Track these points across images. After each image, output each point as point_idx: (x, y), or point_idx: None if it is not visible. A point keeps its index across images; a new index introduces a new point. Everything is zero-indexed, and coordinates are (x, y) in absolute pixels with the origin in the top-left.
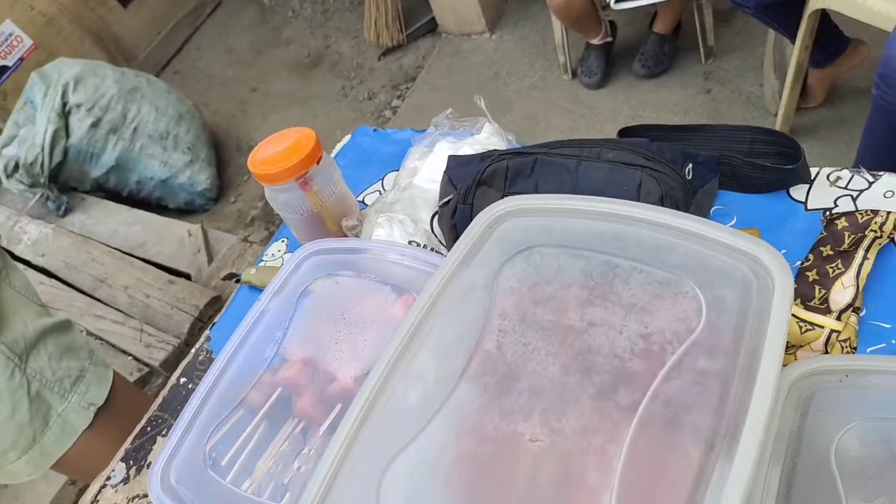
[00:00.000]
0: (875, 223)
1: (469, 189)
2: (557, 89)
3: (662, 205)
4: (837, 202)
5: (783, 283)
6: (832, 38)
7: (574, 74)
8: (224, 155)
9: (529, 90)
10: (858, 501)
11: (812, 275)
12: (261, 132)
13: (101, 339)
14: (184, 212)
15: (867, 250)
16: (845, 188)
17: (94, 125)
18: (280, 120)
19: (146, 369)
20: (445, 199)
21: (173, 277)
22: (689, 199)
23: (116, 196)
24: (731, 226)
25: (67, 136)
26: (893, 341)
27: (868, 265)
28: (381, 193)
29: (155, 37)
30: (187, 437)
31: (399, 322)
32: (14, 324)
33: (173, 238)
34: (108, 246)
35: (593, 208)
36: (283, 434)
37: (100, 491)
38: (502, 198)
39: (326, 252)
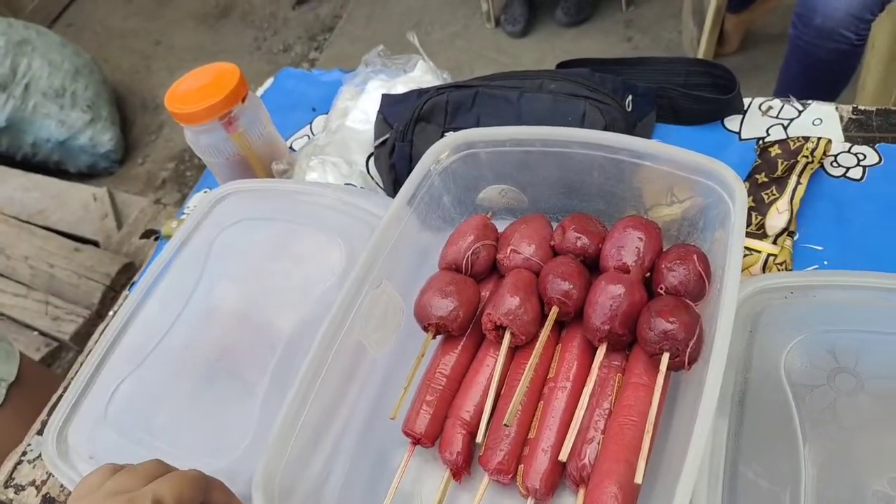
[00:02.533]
0: (807, 149)
1: (407, 126)
2: (481, 38)
3: None
4: (769, 131)
5: (741, 195)
6: None
7: (497, 23)
8: (128, 114)
9: (452, 39)
10: (808, 409)
11: (748, 202)
12: (167, 88)
13: (1, 314)
14: (86, 176)
15: (800, 175)
16: (777, 117)
17: None
18: None
19: (55, 344)
20: (381, 139)
21: (79, 245)
22: (631, 131)
23: (9, 161)
24: None
25: None
26: (826, 262)
27: (801, 190)
28: (309, 138)
29: None
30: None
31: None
32: None
33: (76, 203)
34: (2, 213)
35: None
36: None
37: (15, 468)
38: (442, 133)
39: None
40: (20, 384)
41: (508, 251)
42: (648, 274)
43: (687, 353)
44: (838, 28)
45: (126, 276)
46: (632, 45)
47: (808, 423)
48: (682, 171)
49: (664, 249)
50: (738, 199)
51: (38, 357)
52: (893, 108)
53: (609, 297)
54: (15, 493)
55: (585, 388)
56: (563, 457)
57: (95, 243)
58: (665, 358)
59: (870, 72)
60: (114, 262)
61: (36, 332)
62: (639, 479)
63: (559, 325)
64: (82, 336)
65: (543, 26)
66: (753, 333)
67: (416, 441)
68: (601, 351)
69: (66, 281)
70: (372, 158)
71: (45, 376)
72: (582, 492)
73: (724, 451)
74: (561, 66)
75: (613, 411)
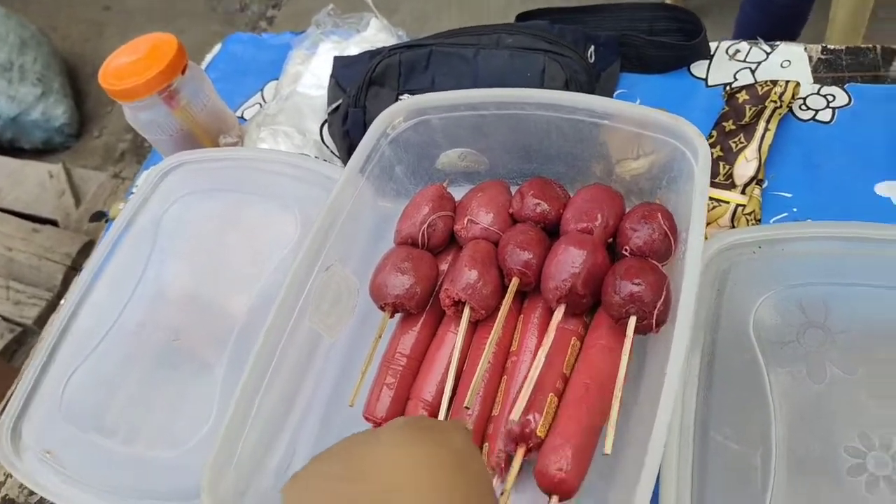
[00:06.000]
0: (774, 93)
1: (360, 90)
2: None
3: (567, 89)
4: (737, 76)
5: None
6: None
7: None
8: (81, 85)
9: None
10: (777, 367)
11: (716, 151)
12: None
13: None
14: (42, 152)
15: (768, 121)
16: (744, 61)
17: None
18: None
19: (19, 329)
20: (334, 105)
21: (37, 225)
22: (594, 83)
23: None
24: None
25: None
26: (795, 209)
27: (769, 136)
28: (261, 105)
29: None
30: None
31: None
32: None
33: (32, 182)
34: None
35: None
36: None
37: None
38: (397, 97)
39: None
40: None
41: (466, 222)
42: (611, 239)
43: (654, 316)
44: None
45: (87, 255)
46: None
47: (778, 382)
48: (642, 128)
49: (628, 210)
50: (702, 155)
51: (1, 344)
52: (863, 45)
53: (570, 256)
54: None
55: (541, 350)
56: (514, 416)
57: (54, 223)
58: (632, 321)
59: (839, 2)
60: (74, 242)
61: None
62: (608, 449)
63: (521, 296)
64: (45, 320)
65: None
66: (721, 292)
67: (378, 426)
68: (559, 312)
69: (26, 263)
70: (326, 126)
71: (3, 370)
72: (522, 451)
73: (694, 414)
74: (520, 17)
75: (573, 376)
